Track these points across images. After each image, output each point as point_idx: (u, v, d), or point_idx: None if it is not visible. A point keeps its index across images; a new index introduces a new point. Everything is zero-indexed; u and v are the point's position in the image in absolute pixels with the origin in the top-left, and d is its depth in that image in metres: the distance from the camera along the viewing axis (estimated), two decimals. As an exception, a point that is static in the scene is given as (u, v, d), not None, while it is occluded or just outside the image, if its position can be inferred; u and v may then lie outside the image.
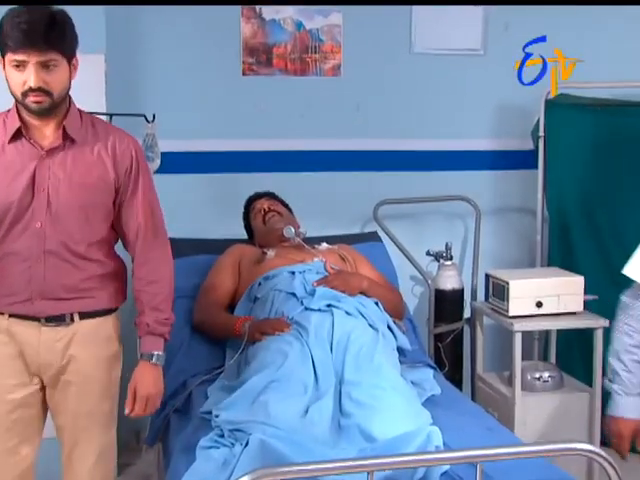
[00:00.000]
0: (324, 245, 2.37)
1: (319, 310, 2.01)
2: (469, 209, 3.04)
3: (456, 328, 2.90)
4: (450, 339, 2.88)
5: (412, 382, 1.97)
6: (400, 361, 2.04)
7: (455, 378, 2.83)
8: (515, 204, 3.19)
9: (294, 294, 2.09)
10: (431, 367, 2.22)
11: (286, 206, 2.54)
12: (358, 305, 2.08)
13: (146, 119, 2.40)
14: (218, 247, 2.47)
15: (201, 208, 2.93)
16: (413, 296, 3.10)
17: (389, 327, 2.14)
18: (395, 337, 2.14)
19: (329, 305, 2.03)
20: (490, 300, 2.67)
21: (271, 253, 2.28)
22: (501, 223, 3.18)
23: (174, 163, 2.80)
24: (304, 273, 2.18)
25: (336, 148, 3.03)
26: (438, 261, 2.98)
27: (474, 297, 2.96)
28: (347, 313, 2.03)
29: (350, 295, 2.13)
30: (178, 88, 2.91)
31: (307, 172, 3.01)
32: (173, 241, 2.56)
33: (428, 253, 2.99)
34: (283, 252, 2.30)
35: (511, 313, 2.54)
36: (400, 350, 2.13)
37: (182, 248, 2.56)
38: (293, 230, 2.31)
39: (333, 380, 1.80)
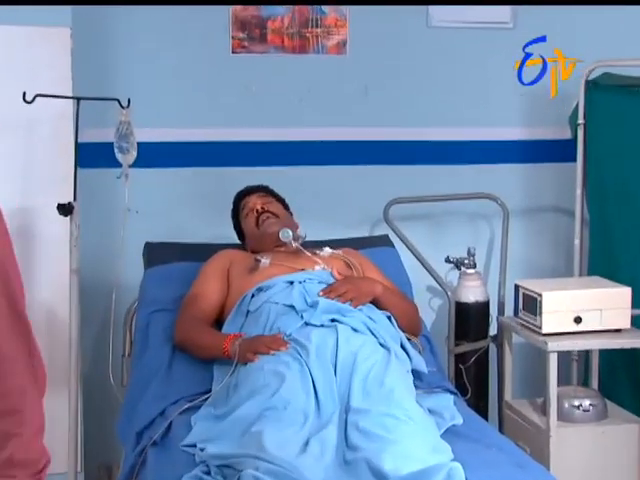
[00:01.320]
0: (327, 250, 2.36)
1: (321, 326, 2.01)
2: (495, 209, 3.04)
3: (480, 347, 2.91)
4: (473, 360, 2.89)
5: (429, 410, 1.96)
6: (415, 385, 2.02)
7: (479, 405, 2.85)
8: (549, 202, 3.20)
9: (292, 307, 2.09)
10: (451, 392, 2.20)
11: (283, 203, 2.54)
12: (366, 320, 2.08)
13: (120, 104, 2.41)
14: (203, 253, 2.47)
15: (183, 208, 2.95)
16: (430, 310, 3.10)
17: (402, 346, 2.13)
18: (409, 358, 2.12)
19: (333, 320, 2.03)
20: (520, 315, 2.67)
21: (265, 261, 2.27)
22: (533, 225, 3.19)
23: (152, 155, 2.81)
24: (304, 283, 2.17)
25: (340, 138, 3.05)
26: (459, 269, 2.98)
27: (501, 311, 2.97)
28: (354, 329, 2.00)
29: (361, 303, 2.13)
30: (157, 68, 2.91)
31: (307, 166, 3.02)
32: (150, 246, 2.66)
33: (448, 260, 3.00)
34: (279, 259, 2.30)
35: (545, 330, 2.53)
36: (415, 373, 2.11)
37: (161, 254, 2.59)
38: (291, 233, 2.31)
39: (337, 407, 1.79)
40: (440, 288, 2.96)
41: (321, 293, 2.12)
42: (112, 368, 2.45)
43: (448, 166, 3.10)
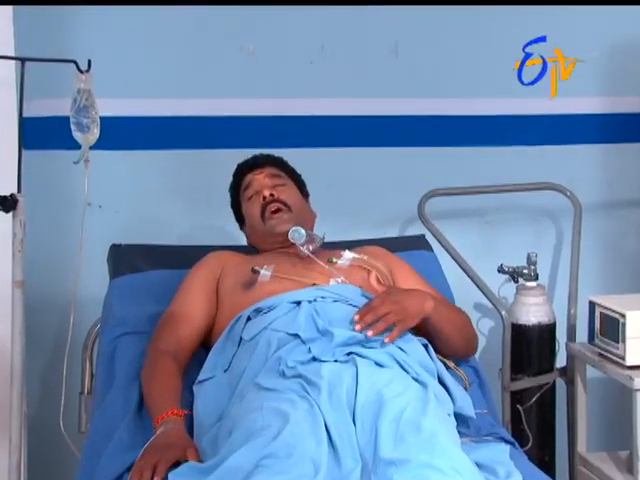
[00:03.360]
0: (346, 256, 2.33)
1: (335, 361, 2.00)
2: (563, 203, 3.04)
3: (544, 383, 2.90)
4: (536, 400, 2.88)
5: (478, 464, 1.91)
6: (460, 432, 1.97)
7: (544, 459, 2.84)
8: (634, 195, 3.19)
9: (297, 336, 2.08)
10: (507, 442, 2.16)
11: (299, 183, 2.50)
12: (394, 350, 2.07)
13: (78, 67, 2.38)
14: (185, 258, 2.45)
15: (159, 201, 2.95)
16: (479, 334, 3.03)
17: (441, 381, 2.11)
18: (451, 397, 2.09)
19: (350, 353, 2.02)
20: (596, 341, 2.67)
21: (266, 272, 2.23)
22: (612, 224, 3.18)
23: (119, 134, 2.82)
24: (315, 303, 2.14)
25: (362, 112, 3.06)
26: (516, 281, 2.99)
27: (571, 336, 2.97)
28: (377, 364, 2.01)
29: (407, 328, 2.10)
30: (124, 22, 2.91)
31: (318, 148, 3.02)
32: (117, 249, 2.63)
33: (501, 269, 2.99)
34: (284, 268, 2.25)
35: (629, 361, 2.53)
36: (459, 416, 2.07)
37: (131, 259, 2.58)
38: (304, 234, 2.27)
39: (359, 462, 1.77)
40: (491, 306, 2.93)
41: (356, 317, 2.09)
42: (65, 410, 2.45)
43: (501, 148, 3.11)
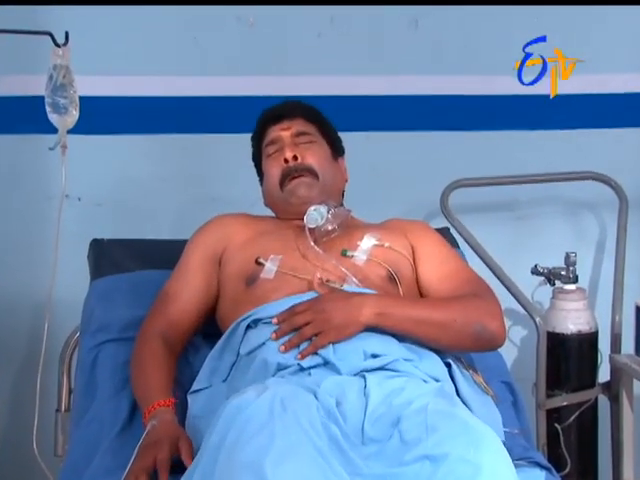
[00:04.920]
0: (366, 244, 2.30)
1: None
2: (607, 195, 3.04)
3: (585, 400, 2.89)
4: (575, 419, 2.88)
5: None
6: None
7: (584, 486, 2.83)
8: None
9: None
10: (542, 467, 2.15)
11: (331, 138, 2.42)
12: (412, 358, 2.07)
13: (54, 40, 2.39)
14: (176, 255, 2.41)
15: (147, 193, 2.96)
16: (510, 344, 3.09)
17: (460, 396, 2.09)
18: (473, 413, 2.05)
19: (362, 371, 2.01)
20: (646, 352, 2.65)
21: (271, 267, 2.22)
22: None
23: (100, 116, 2.83)
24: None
25: (376, 92, 3.08)
26: (552, 284, 2.99)
27: (616, 347, 2.96)
28: (393, 371, 2.01)
29: (328, 342, 2.06)
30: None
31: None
32: (99, 245, 2.60)
33: (536, 271, 2.99)
34: (293, 258, 2.24)
35: (684, 375, 2.56)
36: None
37: (115, 257, 2.57)
38: (320, 219, 2.22)
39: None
40: (524, 312, 2.92)
41: (274, 321, 2.06)
42: (39, 430, 2.44)
43: (536, 132, 3.12)
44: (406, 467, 1.74)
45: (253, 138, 2.44)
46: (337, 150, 2.43)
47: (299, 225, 2.26)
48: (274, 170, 2.33)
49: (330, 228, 2.24)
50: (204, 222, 2.37)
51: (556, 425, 2.86)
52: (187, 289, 2.27)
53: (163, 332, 2.22)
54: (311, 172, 2.30)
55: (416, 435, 1.76)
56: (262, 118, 2.42)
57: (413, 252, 2.32)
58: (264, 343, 2.08)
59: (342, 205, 2.38)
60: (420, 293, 2.28)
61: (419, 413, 1.80)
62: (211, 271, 2.29)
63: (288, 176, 2.30)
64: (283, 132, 2.35)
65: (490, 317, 2.14)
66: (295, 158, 2.30)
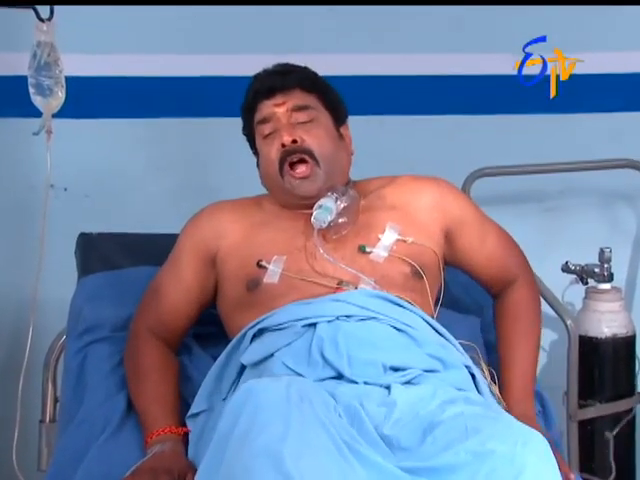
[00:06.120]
0: (388, 238, 2.28)
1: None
2: (645, 185, 3.02)
3: (622, 411, 2.90)
4: (611, 431, 2.88)
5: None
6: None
7: (622, 504, 2.84)
8: None
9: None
10: (575, 482, 2.19)
11: (331, 107, 2.34)
12: (437, 367, 2.06)
13: (37, 15, 2.39)
14: (170, 250, 2.44)
15: (140, 182, 2.97)
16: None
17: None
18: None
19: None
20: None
21: (275, 269, 2.20)
22: None
23: (89, 98, 2.84)
24: (336, 322, 2.10)
25: (391, 71, 3.09)
26: (585, 283, 3.00)
27: (655, 352, 2.95)
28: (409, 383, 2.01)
29: None
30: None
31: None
32: (87, 240, 2.59)
33: (566, 268, 3.00)
34: (298, 261, 2.21)
35: None
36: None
37: (104, 251, 2.59)
38: (332, 208, 2.18)
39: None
40: (554, 313, 2.89)
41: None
42: (20, 443, 2.46)
43: (566, 116, 3.13)
44: (445, 462, 1.75)
45: (243, 109, 2.34)
46: (340, 118, 2.35)
47: (303, 214, 2.24)
48: (271, 152, 2.26)
49: (341, 221, 2.22)
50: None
51: (590, 438, 2.87)
52: (178, 288, 2.27)
53: (155, 329, 2.24)
54: (312, 156, 2.24)
55: (455, 436, 1.77)
56: (252, 88, 2.32)
57: (444, 233, 2.31)
58: (272, 355, 2.07)
59: (349, 182, 2.33)
60: (460, 266, 2.36)
61: (456, 418, 1.82)
62: (205, 271, 2.27)
63: (287, 160, 2.24)
64: (278, 109, 2.26)
65: (536, 307, 2.42)
66: (294, 141, 2.23)
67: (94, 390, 2.25)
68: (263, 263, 2.21)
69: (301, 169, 2.23)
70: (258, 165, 2.35)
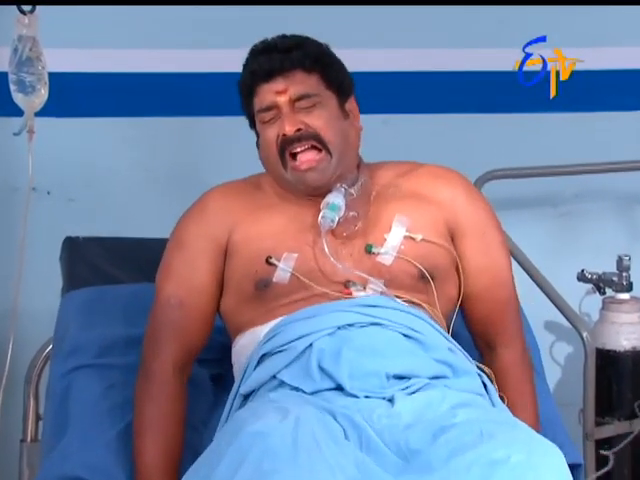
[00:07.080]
0: (396, 234, 2.31)
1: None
2: (666, 188, 3.09)
3: (641, 429, 2.86)
4: (629, 451, 2.92)
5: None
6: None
7: (641, 528, 2.91)
8: None
9: (315, 393, 2.05)
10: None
11: (336, 85, 2.28)
12: (446, 374, 2.07)
13: (19, 7, 2.40)
14: (161, 256, 2.43)
15: (128, 185, 2.98)
16: (553, 362, 3.12)
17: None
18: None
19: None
20: None
21: (285, 267, 2.20)
22: None
23: (74, 95, 2.85)
24: (343, 331, 2.12)
25: (395, 67, 3.09)
26: (602, 293, 3.01)
27: (678, 367, 2.96)
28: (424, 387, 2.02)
29: None
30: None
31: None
32: (73, 245, 2.60)
33: (582, 277, 3.02)
34: (309, 260, 2.21)
35: None
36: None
37: (91, 257, 2.59)
38: (340, 204, 2.17)
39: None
40: (569, 325, 2.92)
41: None
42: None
43: (583, 114, 3.15)
44: (459, 467, 1.77)
45: (240, 88, 2.28)
46: (345, 92, 2.30)
47: (311, 201, 2.23)
48: (271, 140, 2.22)
49: (351, 215, 2.21)
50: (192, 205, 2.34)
51: (607, 457, 2.87)
52: (203, 297, 2.23)
53: (180, 362, 2.21)
54: (320, 140, 2.21)
55: (469, 440, 1.79)
56: (249, 67, 2.26)
57: (452, 231, 2.31)
58: (273, 374, 2.09)
59: (360, 164, 2.32)
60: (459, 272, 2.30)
61: (470, 422, 1.84)
62: (219, 267, 2.25)
63: (289, 147, 2.20)
64: (279, 98, 2.22)
65: (527, 361, 2.32)
66: (298, 130, 2.20)
67: (76, 425, 2.21)
68: (273, 260, 2.20)
69: (307, 157, 2.20)
70: (258, 146, 2.30)
